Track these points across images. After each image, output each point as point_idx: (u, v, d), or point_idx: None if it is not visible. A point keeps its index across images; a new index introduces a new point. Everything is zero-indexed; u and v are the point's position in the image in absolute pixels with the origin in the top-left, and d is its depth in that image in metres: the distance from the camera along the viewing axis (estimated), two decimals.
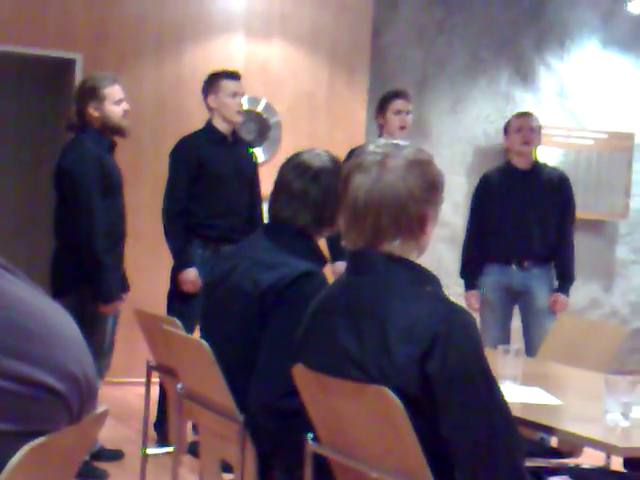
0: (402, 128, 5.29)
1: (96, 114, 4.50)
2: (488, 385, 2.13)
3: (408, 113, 5.34)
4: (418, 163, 2.24)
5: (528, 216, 5.31)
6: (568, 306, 5.40)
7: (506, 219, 5.34)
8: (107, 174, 4.48)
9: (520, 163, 5.39)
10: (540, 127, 5.46)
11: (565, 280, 5.37)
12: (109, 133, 4.57)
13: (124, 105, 4.57)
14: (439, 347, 2.08)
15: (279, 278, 2.68)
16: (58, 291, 4.48)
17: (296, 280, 2.66)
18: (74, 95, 4.68)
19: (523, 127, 5.33)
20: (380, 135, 5.38)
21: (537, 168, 5.42)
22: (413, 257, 2.25)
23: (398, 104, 5.32)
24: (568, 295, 5.38)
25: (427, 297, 2.18)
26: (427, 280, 2.23)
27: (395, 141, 2.31)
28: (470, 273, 5.49)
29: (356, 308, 2.22)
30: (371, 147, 2.28)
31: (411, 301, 2.15)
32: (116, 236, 4.55)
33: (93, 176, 4.40)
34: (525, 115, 5.54)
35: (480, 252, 5.46)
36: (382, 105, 5.38)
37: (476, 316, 5.24)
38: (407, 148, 2.27)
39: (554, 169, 5.58)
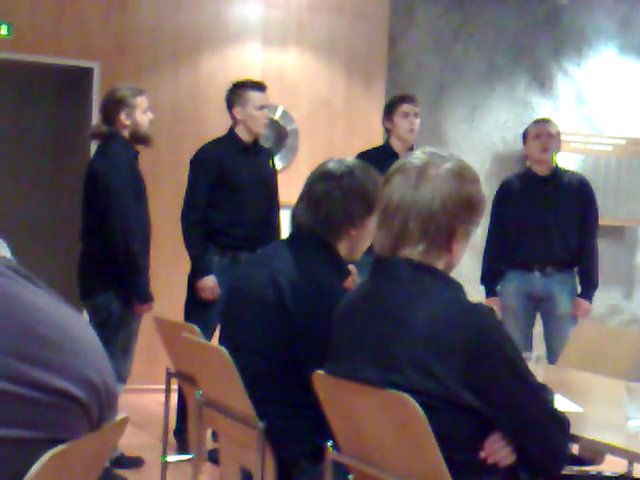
0: (411, 131, 5.27)
1: (127, 122, 4.59)
2: (527, 379, 2.16)
3: (416, 116, 5.31)
4: (458, 177, 2.21)
5: (548, 222, 5.28)
6: (590, 312, 5.36)
7: (526, 225, 5.31)
8: (136, 180, 4.55)
9: (540, 170, 5.36)
10: (559, 133, 5.41)
11: (587, 286, 5.33)
12: (135, 142, 4.64)
13: (149, 115, 4.67)
14: (476, 353, 2.07)
15: (297, 289, 2.67)
16: (85, 293, 4.59)
17: (315, 292, 2.66)
18: (101, 105, 4.74)
19: (541, 134, 5.30)
20: (388, 140, 5.37)
21: (557, 174, 5.38)
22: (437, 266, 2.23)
23: (405, 107, 5.28)
24: (591, 301, 5.34)
25: (452, 302, 2.16)
26: (451, 286, 2.21)
27: (444, 153, 2.27)
28: (491, 280, 5.46)
29: (381, 314, 2.21)
30: (418, 152, 2.28)
31: (436, 307, 2.13)
32: (142, 243, 4.57)
33: (126, 179, 4.48)
34: (543, 121, 5.48)
35: (501, 259, 5.43)
36: (389, 109, 5.34)
37: None
38: (452, 161, 2.24)
39: (574, 174, 5.51)
